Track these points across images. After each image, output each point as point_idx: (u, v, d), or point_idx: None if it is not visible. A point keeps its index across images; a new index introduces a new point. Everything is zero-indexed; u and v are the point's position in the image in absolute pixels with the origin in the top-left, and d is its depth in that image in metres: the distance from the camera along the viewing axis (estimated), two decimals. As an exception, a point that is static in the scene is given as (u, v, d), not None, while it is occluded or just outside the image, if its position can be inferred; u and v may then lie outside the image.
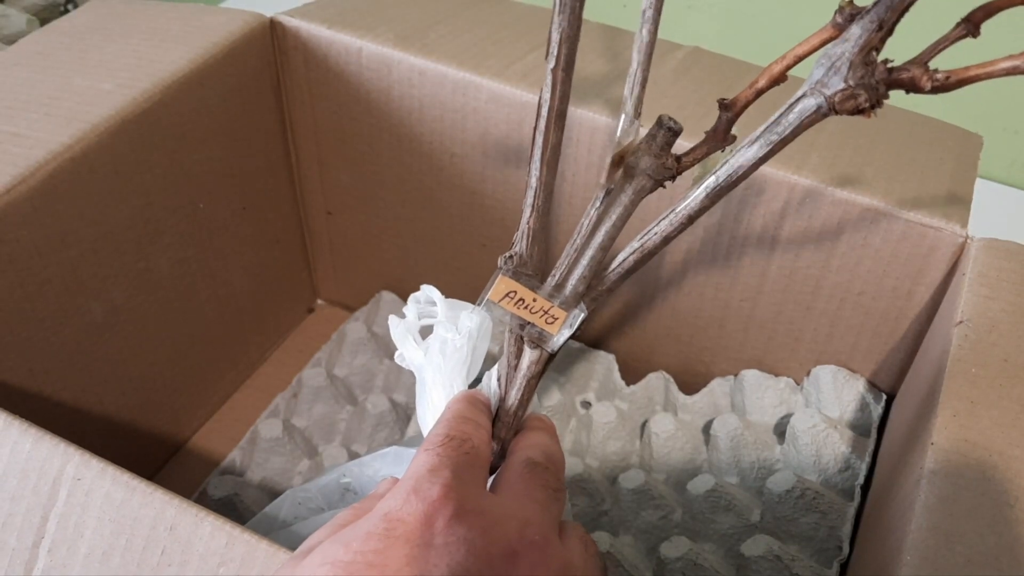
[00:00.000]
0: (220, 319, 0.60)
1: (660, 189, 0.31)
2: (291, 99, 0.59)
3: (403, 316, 0.37)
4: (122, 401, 0.53)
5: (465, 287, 0.63)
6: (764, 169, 0.47)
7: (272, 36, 0.56)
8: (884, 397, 0.53)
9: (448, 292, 0.62)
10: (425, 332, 0.37)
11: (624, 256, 0.31)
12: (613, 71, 0.54)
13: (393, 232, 0.64)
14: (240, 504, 0.52)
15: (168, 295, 0.54)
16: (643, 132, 0.31)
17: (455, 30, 0.56)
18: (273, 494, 0.55)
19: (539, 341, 0.31)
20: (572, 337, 0.31)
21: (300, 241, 0.68)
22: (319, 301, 0.73)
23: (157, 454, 0.59)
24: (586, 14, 0.52)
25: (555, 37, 0.26)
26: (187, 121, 0.51)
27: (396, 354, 0.37)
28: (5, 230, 0.42)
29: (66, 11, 0.91)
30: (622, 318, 0.60)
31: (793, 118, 0.26)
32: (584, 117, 0.50)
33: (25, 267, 0.44)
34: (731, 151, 0.28)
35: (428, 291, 0.37)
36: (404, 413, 0.59)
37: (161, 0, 0.58)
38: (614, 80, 0.53)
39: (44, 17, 0.88)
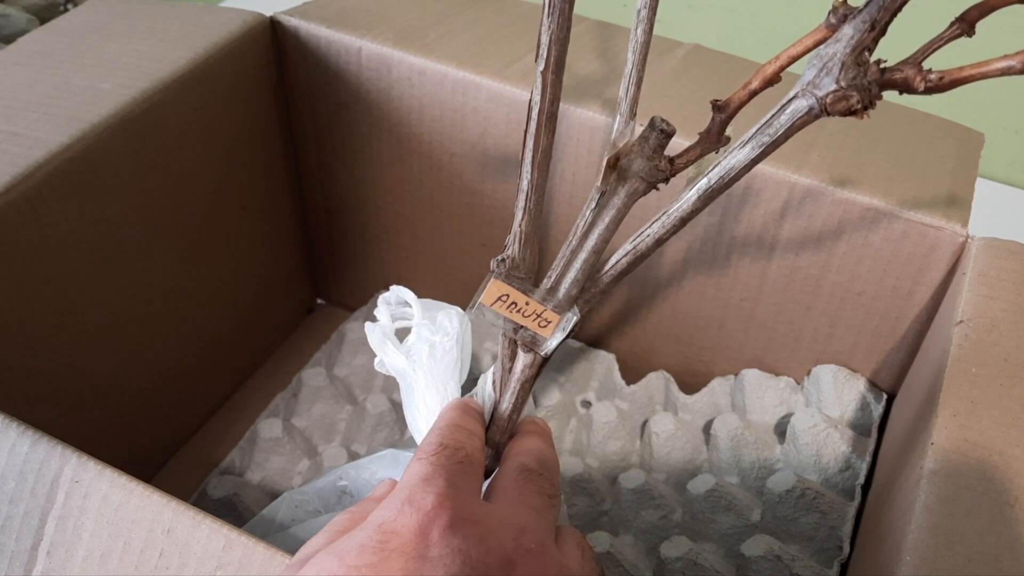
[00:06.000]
0: (220, 319, 0.60)
1: (658, 190, 0.31)
2: (291, 99, 0.59)
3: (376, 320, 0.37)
4: (122, 401, 0.53)
5: (464, 286, 0.63)
6: (764, 169, 0.47)
7: (272, 36, 0.56)
8: (884, 397, 0.53)
9: (447, 292, 0.62)
10: (400, 334, 0.37)
11: (617, 258, 0.31)
12: (612, 70, 0.53)
13: (393, 232, 0.64)
14: (240, 504, 0.52)
15: (167, 295, 0.54)
16: (639, 132, 0.31)
17: (455, 30, 0.56)
18: (273, 494, 0.55)
19: (532, 345, 0.31)
20: (566, 339, 0.31)
21: (300, 241, 0.68)
22: (319, 301, 0.73)
23: (157, 454, 0.59)
24: (585, 12, 0.52)
25: (544, 39, 0.26)
26: (187, 121, 0.51)
27: (376, 360, 0.37)
28: (4, 230, 0.42)
29: (65, 11, 0.91)
30: (622, 318, 0.60)
31: (785, 120, 0.26)
32: (584, 117, 0.50)
33: (24, 267, 0.44)
34: (725, 152, 0.28)
35: (398, 291, 0.37)
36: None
37: (161, 0, 0.58)
38: (614, 79, 0.53)
39: (44, 16, 0.89)
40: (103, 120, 0.46)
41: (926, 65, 0.25)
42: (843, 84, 0.24)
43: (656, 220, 0.30)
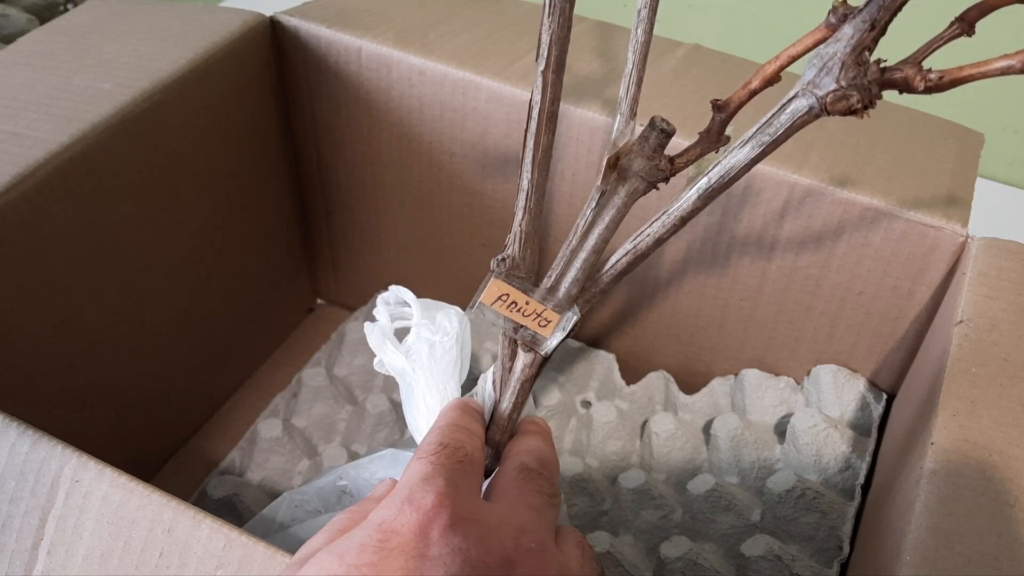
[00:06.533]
0: (220, 319, 0.60)
1: (658, 190, 0.31)
2: (291, 99, 0.59)
3: (375, 320, 0.37)
4: (122, 401, 0.53)
5: (464, 286, 0.63)
6: (764, 169, 0.47)
7: (272, 36, 0.56)
8: (884, 397, 0.53)
9: (447, 292, 0.62)
10: (400, 334, 0.37)
11: (617, 258, 0.31)
12: (612, 70, 0.53)
13: (393, 232, 0.64)
14: (240, 504, 0.52)
15: (167, 295, 0.54)
16: (639, 132, 0.31)
17: (455, 30, 0.56)
18: (273, 494, 0.55)
19: (532, 344, 0.31)
20: (566, 339, 0.31)
21: (300, 241, 0.68)
22: (319, 301, 0.73)
23: (157, 454, 0.59)
24: (585, 12, 0.52)
25: (545, 39, 0.26)
26: (187, 121, 0.51)
27: (375, 360, 0.37)
28: (4, 230, 0.42)
29: (65, 10, 0.91)
30: (622, 317, 0.60)
31: (785, 119, 0.26)
32: (584, 117, 0.50)
33: (24, 267, 0.44)
34: (725, 152, 0.28)
35: (397, 291, 0.37)
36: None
37: (161, 0, 0.58)
38: (614, 79, 0.53)
39: (44, 16, 0.89)
40: (103, 120, 0.46)
41: (926, 65, 0.25)
42: (843, 83, 0.24)
43: (656, 219, 0.30)
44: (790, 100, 0.26)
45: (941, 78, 0.24)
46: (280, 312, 0.68)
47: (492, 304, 0.30)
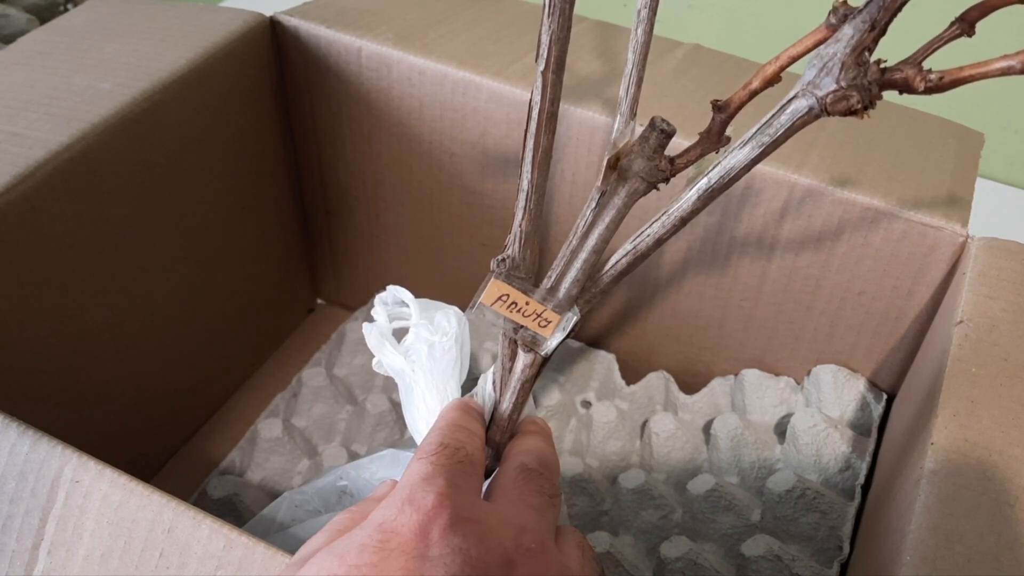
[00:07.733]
0: (220, 319, 0.60)
1: (658, 190, 0.31)
2: (290, 99, 0.59)
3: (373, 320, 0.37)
4: (122, 401, 0.53)
5: (464, 286, 0.63)
6: (764, 169, 0.47)
7: (272, 36, 0.56)
8: (884, 397, 0.53)
9: (447, 292, 0.62)
10: (399, 335, 0.37)
11: (617, 258, 0.31)
12: (612, 70, 0.53)
13: (393, 232, 0.64)
14: (240, 504, 0.52)
15: (167, 295, 0.54)
16: (639, 132, 0.31)
17: (455, 30, 0.56)
18: (273, 494, 0.55)
19: (532, 345, 0.31)
20: (566, 339, 0.31)
21: (300, 241, 0.68)
22: (319, 301, 0.73)
23: (157, 454, 0.59)
24: (585, 12, 0.52)
25: (545, 39, 0.26)
26: (187, 121, 0.51)
27: (374, 361, 0.36)
28: (4, 230, 0.42)
29: (65, 10, 0.91)
30: (622, 318, 0.60)
31: (785, 119, 0.26)
32: (584, 117, 0.50)
33: (24, 267, 0.44)
34: (725, 152, 0.28)
35: (395, 291, 0.37)
36: (404, 413, 0.59)
37: (161, 0, 0.58)
38: (614, 79, 0.53)
39: (44, 16, 0.89)
40: (103, 120, 0.46)
41: (926, 65, 0.25)
42: (843, 84, 0.24)
43: (656, 220, 0.30)
44: (790, 100, 0.26)
45: (941, 78, 0.24)
46: (280, 312, 0.68)
47: (492, 304, 0.30)
